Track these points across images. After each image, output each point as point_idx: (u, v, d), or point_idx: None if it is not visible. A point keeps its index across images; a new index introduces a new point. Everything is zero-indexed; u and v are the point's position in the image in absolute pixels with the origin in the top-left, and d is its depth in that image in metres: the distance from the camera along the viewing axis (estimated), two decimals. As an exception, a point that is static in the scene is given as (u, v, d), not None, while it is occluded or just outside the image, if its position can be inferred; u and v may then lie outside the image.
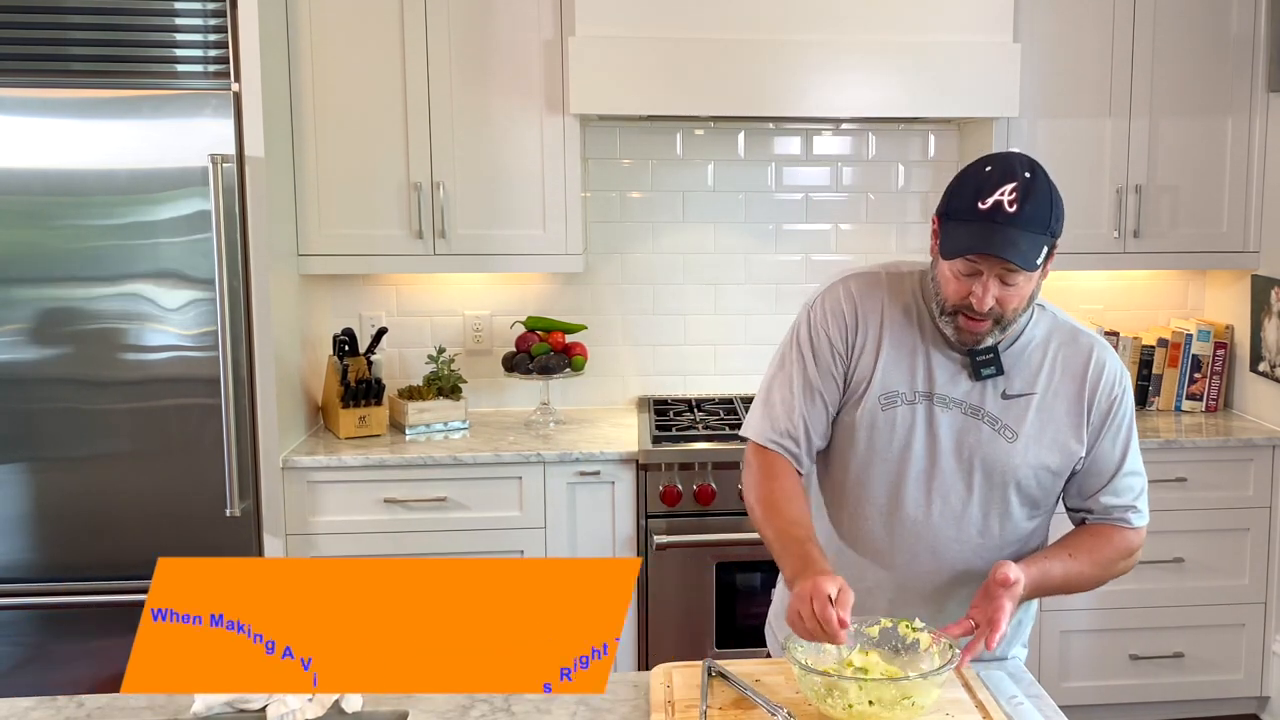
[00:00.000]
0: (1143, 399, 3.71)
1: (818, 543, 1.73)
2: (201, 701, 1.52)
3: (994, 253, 1.63)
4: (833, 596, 1.55)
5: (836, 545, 1.88)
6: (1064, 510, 1.91)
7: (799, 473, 1.85)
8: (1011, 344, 1.79)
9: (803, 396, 1.83)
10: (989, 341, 1.74)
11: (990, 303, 1.67)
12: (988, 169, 1.68)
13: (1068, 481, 1.84)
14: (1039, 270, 1.69)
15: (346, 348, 3.31)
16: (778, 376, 1.87)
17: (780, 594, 2.03)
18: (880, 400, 1.79)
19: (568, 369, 3.47)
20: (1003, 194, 1.64)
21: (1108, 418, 1.80)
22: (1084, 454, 1.80)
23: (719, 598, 3.19)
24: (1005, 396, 1.78)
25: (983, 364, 1.76)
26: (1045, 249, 1.67)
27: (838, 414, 1.85)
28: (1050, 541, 1.88)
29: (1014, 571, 1.64)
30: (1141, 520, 1.83)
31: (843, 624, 1.53)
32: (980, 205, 1.64)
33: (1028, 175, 1.66)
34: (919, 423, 1.78)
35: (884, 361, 1.80)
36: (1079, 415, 1.79)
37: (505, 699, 1.66)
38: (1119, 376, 1.81)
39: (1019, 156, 1.71)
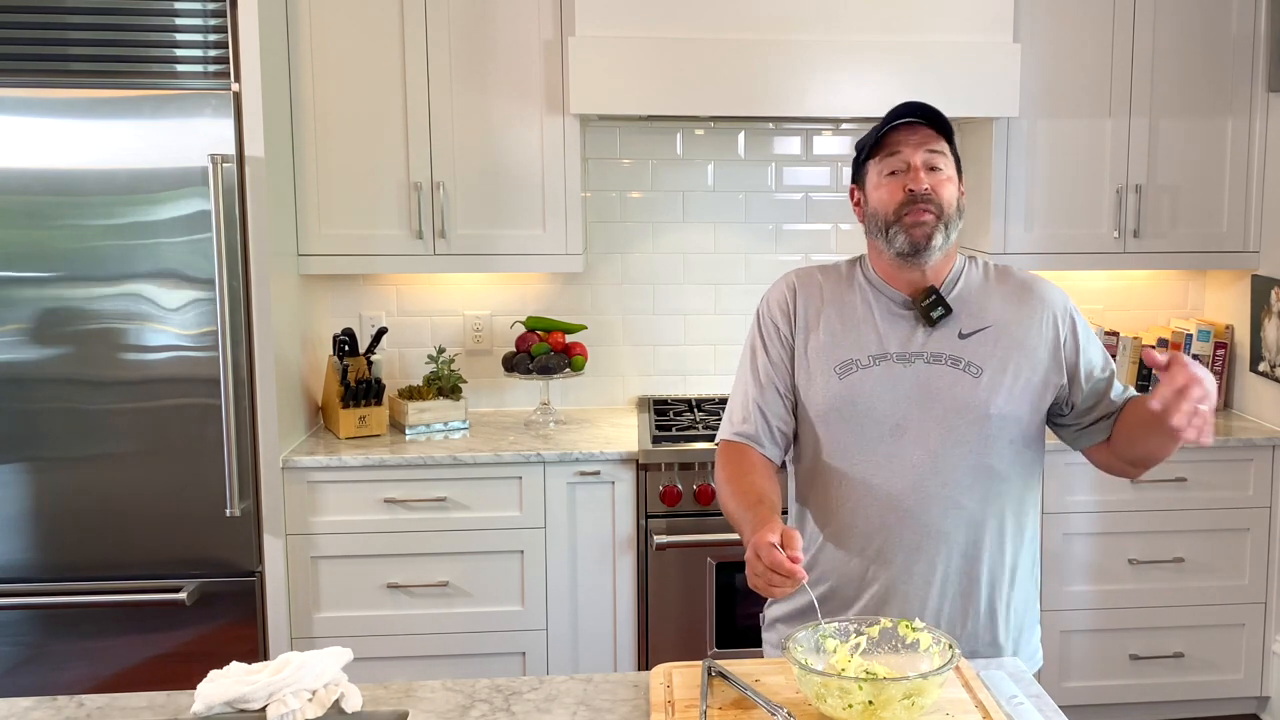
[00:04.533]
0: (1143, 399, 3.71)
1: (771, 503, 1.76)
2: (202, 701, 1.52)
3: (910, 110, 1.81)
4: (776, 543, 1.57)
5: (820, 542, 1.89)
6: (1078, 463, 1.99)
7: (767, 459, 1.91)
8: (953, 287, 1.88)
9: (756, 386, 1.92)
10: (937, 240, 1.81)
11: (925, 182, 1.79)
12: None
13: (1075, 405, 1.87)
14: (956, 180, 1.84)
15: (346, 348, 3.31)
16: (737, 377, 1.98)
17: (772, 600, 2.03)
18: (837, 370, 1.85)
19: (568, 369, 3.47)
20: (904, 105, 1.85)
21: (1076, 332, 1.89)
22: (1065, 378, 1.86)
23: (719, 598, 3.19)
24: (962, 336, 1.85)
25: (929, 306, 1.84)
26: (951, 135, 1.84)
27: (799, 399, 1.89)
28: (1041, 511, 1.93)
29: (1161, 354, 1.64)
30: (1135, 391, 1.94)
31: (794, 560, 1.55)
32: (887, 120, 1.84)
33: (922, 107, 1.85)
34: (880, 382, 1.82)
35: (832, 335, 1.87)
36: (1041, 338, 1.86)
37: (505, 699, 1.66)
38: (1063, 296, 1.93)
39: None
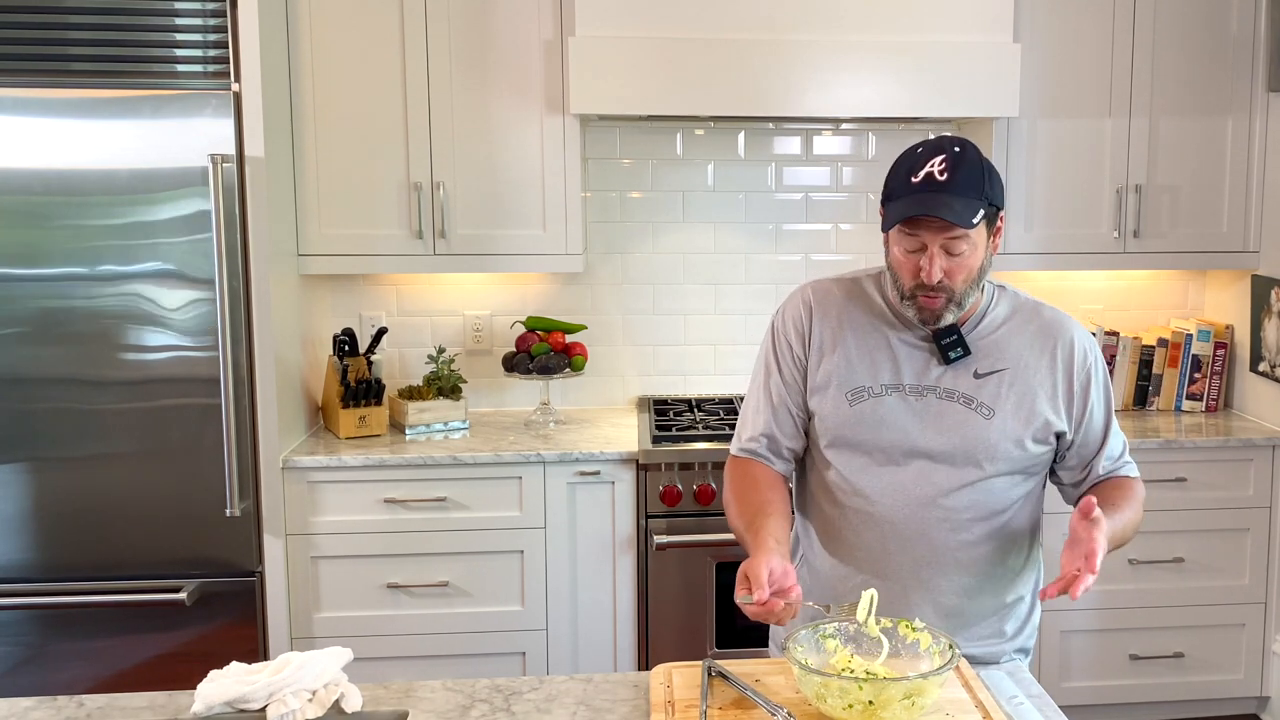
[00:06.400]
0: (1143, 399, 3.71)
1: (772, 515, 1.77)
2: (202, 701, 1.52)
3: (927, 213, 1.69)
4: (765, 579, 1.58)
5: (821, 554, 1.90)
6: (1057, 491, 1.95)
7: (774, 472, 1.91)
8: (976, 325, 1.84)
9: (768, 407, 1.91)
10: (948, 318, 1.78)
11: (938, 274, 1.73)
12: (919, 150, 1.76)
13: (1064, 458, 1.87)
14: (985, 239, 1.76)
15: (346, 348, 3.31)
16: (750, 390, 1.96)
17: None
18: (849, 396, 1.83)
19: (568, 369, 3.47)
20: (932, 166, 1.71)
21: (1089, 387, 1.85)
22: (1068, 428, 1.84)
23: (719, 598, 3.19)
24: (978, 376, 1.82)
25: (948, 347, 1.81)
26: (982, 212, 1.72)
27: (810, 419, 1.89)
28: (1040, 522, 1.93)
29: (1093, 507, 1.63)
30: (1135, 472, 1.90)
31: (785, 592, 1.58)
32: (912, 180, 1.72)
33: (957, 149, 1.73)
34: (890, 412, 1.81)
35: (848, 360, 1.85)
36: (1054, 389, 1.83)
37: (505, 699, 1.66)
38: (1089, 345, 1.87)
39: (950, 137, 1.78)
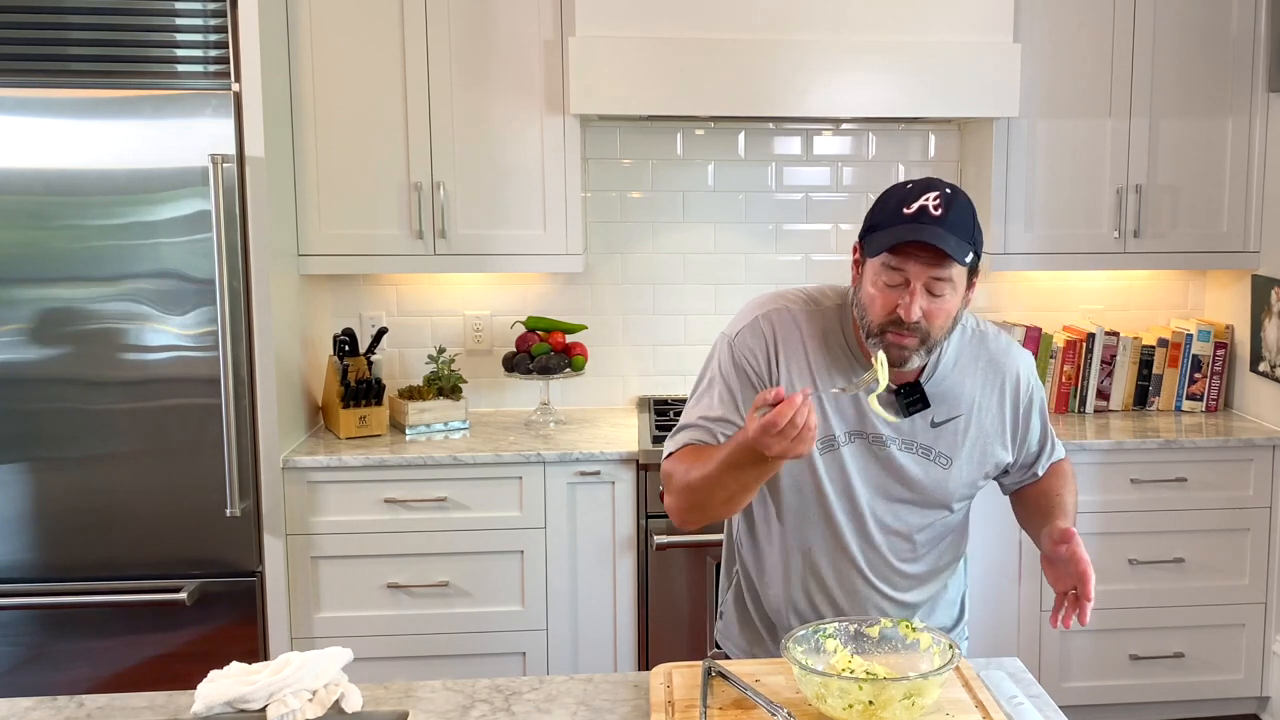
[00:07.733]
0: (1143, 399, 3.71)
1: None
2: (202, 701, 1.52)
3: (924, 240, 1.64)
4: (766, 406, 1.51)
5: (769, 587, 1.92)
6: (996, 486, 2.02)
7: None
8: (932, 373, 1.82)
9: (724, 425, 1.81)
10: (915, 362, 1.75)
11: (918, 313, 1.67)
12: (909, 186, 1.73)
13: (1006, 473, 1.94)
14: (963, 287, 1.72)
15: (346, 348, 3.31)
16: (698, 405, 1.84)
17: (730, 607, 2.06)
18: (818, 446, 1.80)
19: (568, 369, 3.47)
20: (927, 200, 1.68)
21: (1030, 412, 1.90)
22: (1014, 457, 1.91)
23: (719, 598, 3.18)
24: (934, 425, 1.83)
25: (911, 403, 1.80)
26: (972, 254, 1.69)
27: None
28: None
29: (1063, 525, 1.72)
30: (1063, 452, 1.99)
31: (788, 400, 1.50)
32: (905, 210, 1.68)
33: (948, 190, 1.70)
34: (851, 461, 1.81)
35: (819, 410, 1.78)
36: (1003, 427, 1.88)
37: (505, 699, 1.66)
38: (1030, 374, 1.91)
39: (939, 179, 1.76)
